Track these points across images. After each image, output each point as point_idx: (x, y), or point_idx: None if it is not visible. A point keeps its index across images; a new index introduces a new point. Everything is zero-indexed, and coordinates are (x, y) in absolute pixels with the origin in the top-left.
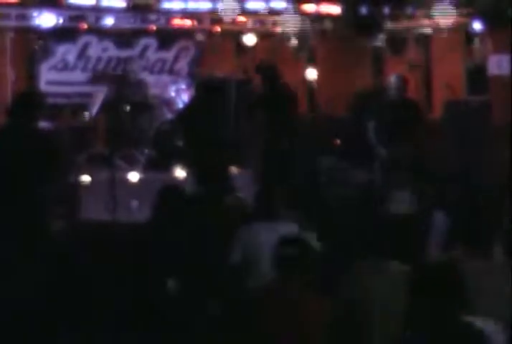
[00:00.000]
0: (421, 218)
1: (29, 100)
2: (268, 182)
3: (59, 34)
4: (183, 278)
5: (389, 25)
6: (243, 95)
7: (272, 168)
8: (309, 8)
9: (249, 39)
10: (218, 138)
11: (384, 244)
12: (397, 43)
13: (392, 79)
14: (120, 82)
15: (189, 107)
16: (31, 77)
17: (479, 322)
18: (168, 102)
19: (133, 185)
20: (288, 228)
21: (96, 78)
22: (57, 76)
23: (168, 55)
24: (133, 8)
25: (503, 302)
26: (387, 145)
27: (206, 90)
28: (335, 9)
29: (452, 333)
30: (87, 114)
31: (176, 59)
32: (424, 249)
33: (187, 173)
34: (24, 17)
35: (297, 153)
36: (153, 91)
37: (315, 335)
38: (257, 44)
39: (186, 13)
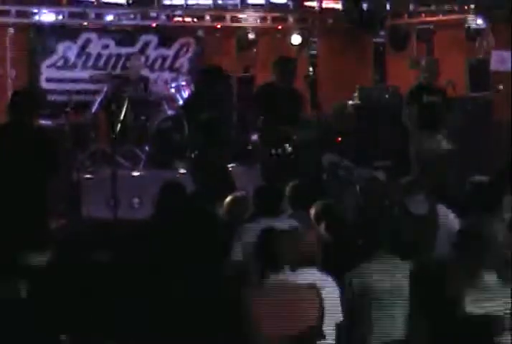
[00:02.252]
0: (433, 217)
1: (28, 98)
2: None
3: (60, 31)
4: (184, 277)
5: (390, 21)
6: (244, 92)
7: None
8: (311, 3)
9: (251, 36)
10: (219, 134)
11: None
12: (399, 39)
13: (425, 61)
14: (121, 79)
15: (190, 101)
16: (32, 74)
17: None
18: (169, 99)
19: (135, 182)
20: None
21: (96, 79)
22: (58, 73)
23: (169, 52)
24: (133, 5)
25: None
26: (423, 133)
27: (209, 80)
28: (337, 5)
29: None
30: (88, 111)
31: (176, 55)
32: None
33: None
34: (24, 14)
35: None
36: (154, 88)
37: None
38: (258, 40)
39: (186, 10)
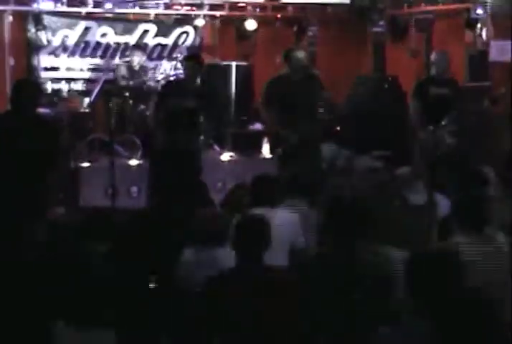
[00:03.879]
0: (432, 206)
1: (30, 87)
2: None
3: (58, 19)
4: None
5: (390, 10)
6: (243, 81)
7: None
8: None
9: (250, 25)
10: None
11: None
12: (398, 29)
13: (434, 55)
14: (122, 68)
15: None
16: (30, 62)
17: None
18: None
19: (133, 171)
20: (287, 215)
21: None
22: (56, 62)
23: (168, 41)
24: None
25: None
26: (431, 127)
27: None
28: None
29: None
30: (86, 100)
31: (175, 44)
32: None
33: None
34: (23, 2)
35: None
36: (152, 77)
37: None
38: (257, 29)
39: None
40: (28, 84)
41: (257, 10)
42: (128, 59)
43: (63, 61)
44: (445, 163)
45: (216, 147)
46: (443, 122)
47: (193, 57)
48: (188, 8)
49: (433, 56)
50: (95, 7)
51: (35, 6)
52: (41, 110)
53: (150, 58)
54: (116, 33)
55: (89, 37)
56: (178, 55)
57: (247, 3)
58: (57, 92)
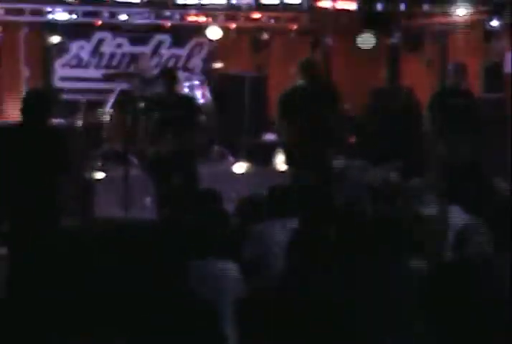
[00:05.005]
0: (444, 217)
1: (42, 97)
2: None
3: (73, 30)
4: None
5: (405, 22)
6: (258, 92)
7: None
8: (325, 4)
9: (263, 35)
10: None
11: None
12: (413, 40)
13: (450, 66)
14: (136, 79)
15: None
16: (46, 73)
17: None
18: None
19: (147, 181)
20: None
21: (109, 77)
22: (71, 72)
23: (182, 52)
24: (147, 4)
25: None
26: (448, 140)
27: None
28: (351, 5)
29: None
30: (101, 110)
31: (190, 55)
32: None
33: None
34: (38, 13)
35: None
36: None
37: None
38: (272, 40)
39: (200, 10)
40: (37, 95)
41: (272, 21)
42: (141, 69)
43: (78, 71)
44: (462, 174)
45: (230, 158)
46: (459, 134)
47: (168, 72)
48: (204, 19)
49: (449, 68)
50: (109, 18)
51: (50, 16)
52: (56, 121)
53: None
54: (131, 44)
55: (104, 48)
56: (193, 66)
57: (262, 15)
58: (71, 103)
